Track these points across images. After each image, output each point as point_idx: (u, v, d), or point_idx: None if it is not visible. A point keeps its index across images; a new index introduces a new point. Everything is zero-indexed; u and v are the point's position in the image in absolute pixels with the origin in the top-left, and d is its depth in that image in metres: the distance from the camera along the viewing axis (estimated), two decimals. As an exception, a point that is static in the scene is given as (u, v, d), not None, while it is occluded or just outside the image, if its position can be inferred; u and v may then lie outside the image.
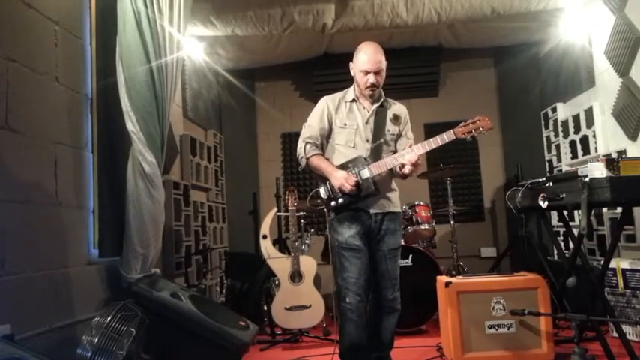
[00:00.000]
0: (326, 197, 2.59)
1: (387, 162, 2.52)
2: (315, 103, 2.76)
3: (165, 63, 2.96)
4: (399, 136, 2.70)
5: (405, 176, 2.57)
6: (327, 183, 2.57)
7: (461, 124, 2.52)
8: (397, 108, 2.75)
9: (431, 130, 5.38)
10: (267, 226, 3.93)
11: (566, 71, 4.46)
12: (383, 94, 2.70)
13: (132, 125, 2.74)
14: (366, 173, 2.49)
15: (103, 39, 2.85)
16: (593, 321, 2.70)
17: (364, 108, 2.67)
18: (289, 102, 5.59)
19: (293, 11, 3.91)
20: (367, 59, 2.57)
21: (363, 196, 2.51)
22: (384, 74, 2.63)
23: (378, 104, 2.66)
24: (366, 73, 2.58)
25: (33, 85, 2.32)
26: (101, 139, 2.79)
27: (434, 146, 2.48)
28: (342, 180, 2.47)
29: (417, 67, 5.26)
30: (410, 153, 2.49)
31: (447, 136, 2.48)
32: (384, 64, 2.61)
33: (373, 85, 2.59)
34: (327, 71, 5.08)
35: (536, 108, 5.01)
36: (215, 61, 4.79)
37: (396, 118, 2.69)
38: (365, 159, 2.53)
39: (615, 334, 2.91)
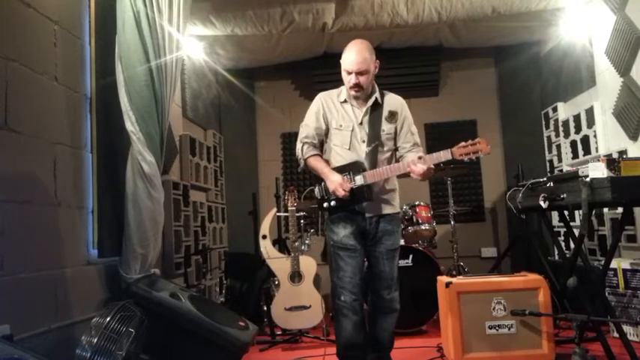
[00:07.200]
0: (319, 198, 2.60)
1: (383, 172, 2.49)
2: (315, 103, 2.74)
3: (164, 62, 2.95)
4: (396, 133, 2.64)
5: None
6: (322, 184, 2.57)
7: (460, 144, 2.42)
8: (393, 103, 2.66)
9: (432, 130, 5.39)
10: (267, 226, 3.92)
11: (566, 71, 4.45)
12: (377, 89, 2.63)
13: (131, 125, 2.74)
14: (360, 180, 2.48)
15: (102, 38, 2.85)
16: (594, 321, 2.70)
17: (357, 108, 2.62)
18: (289, 102, 5.58)
19: (293, 10, 3.90)
20: (350, 59, 2.50)
21: (355, 201, 2.51)
22: (370, 75, 2.53)
23: (370, 104, 2.60)
24: (349, 73, 2.52)
25: (32, 84, 2.31)
26: (100, 139, 2.78)
27: (430, 164, 2.40)
28: (337, 184, 2.46)
29: (417, 66, 5.25)
30: (400, 168, 2.48)
31: (443, 155, 2.41)
32: (369, 64, 2.50)
33: (356, 86, 2.52)
34: (327, 71, 5.04)
35: (537, 108, 5.01)
36: (215, 60, 4.78)
37: (392, 115, 2.62)
38: (362, 166, 2.50)
39: (616, 335, 2.91)
